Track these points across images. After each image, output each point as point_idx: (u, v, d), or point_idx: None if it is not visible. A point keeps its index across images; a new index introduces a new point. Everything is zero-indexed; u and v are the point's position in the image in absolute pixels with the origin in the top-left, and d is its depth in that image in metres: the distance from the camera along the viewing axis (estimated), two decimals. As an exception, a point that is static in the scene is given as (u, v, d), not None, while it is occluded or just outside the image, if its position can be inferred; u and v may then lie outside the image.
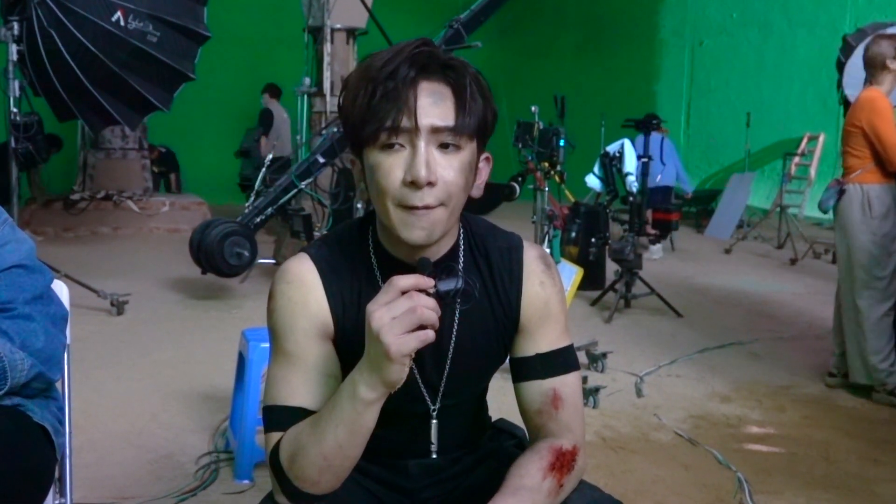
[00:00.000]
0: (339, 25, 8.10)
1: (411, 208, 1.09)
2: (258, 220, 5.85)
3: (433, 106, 1.09)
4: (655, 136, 7.74)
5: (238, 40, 13.23)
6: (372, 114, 1.08)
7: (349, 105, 1.12)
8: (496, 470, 1.34)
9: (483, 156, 1.19)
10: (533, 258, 1.29)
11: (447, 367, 1.25)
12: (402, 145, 1.09)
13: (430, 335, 1.01)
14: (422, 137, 1.08)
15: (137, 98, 5.66)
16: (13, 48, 5.03)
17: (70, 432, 1.60)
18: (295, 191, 5.89)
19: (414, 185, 1.08)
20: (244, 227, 5.63)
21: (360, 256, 1.23)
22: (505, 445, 1.42)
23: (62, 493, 1.61)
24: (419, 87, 1.09)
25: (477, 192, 1.19)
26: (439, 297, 1.03)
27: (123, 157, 10.02)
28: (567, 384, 1.28)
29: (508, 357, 1.33)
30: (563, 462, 1.20)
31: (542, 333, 1.28)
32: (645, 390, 3.84)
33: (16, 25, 5.04)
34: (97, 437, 3.09)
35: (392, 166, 1.09)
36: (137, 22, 5.33)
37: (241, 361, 2.92)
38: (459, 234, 1.25)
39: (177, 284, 6.24)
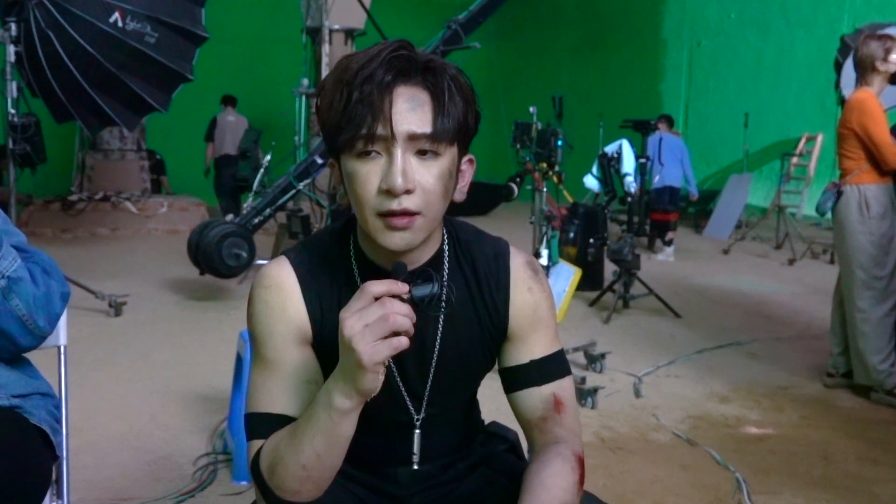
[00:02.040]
0: (337, 26, 8.12)
1: (390, 215, 1.06)
2: (256, 220, 5.85)
3: (410, 112, 1.04)
4: (654, 137, 7.76)
5: (236, 41, 13.24)
6: (347, 120, 1.04)
7: (325, 109, 1.08)
8: (489, 477, 1.33)
9: (465, 158, 1.15)
10: (520, 265, 1.26)
11: (431, 375, 1.23)
12: (378, 153, 1.05)
13: (403, 342, 0.97)
14: (398, 145, 1.04)
15: (135, 99, 5.66)
16: (11, 49, 5.03)
17: (67, 434, 1.59)
18: (293, 192, 5.90)
19: (390, 193, 1.04)
20: (242, 228, 5.63)
21: (340, 261, 1.20)
22: (497, 450, 1.39)
23: (59, 495, 1.60)
24: (396, 93, 1.04)
25: (460, 195, 1.16)
26: (414, 302, 1.00)
27: (122, 158, 10.04)
28: (565, 388, 1.25)
29: (498, 367, 1.29)
30: (583, 470, 1.19)
31: (534, 339, 1.25)
32: (643, 391, 3.84)
33: (13, 27, 5.04)
34: (95, 439, 3.09)
35: (369, 174, 1.06)
36: (135, 23, 5.33)
37: (239, 362, 2.91)
38: (444, 240, 1.22)
39: (175, 285, 6.24)
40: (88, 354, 4.21)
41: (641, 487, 2.76)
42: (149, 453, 2.98)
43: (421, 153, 1.06)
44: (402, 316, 0.97)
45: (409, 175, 1.05)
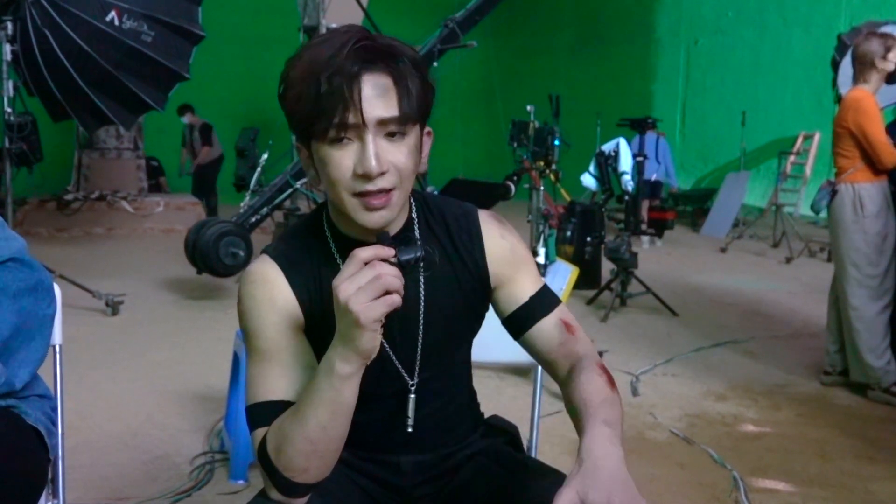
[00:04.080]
0: (334, 25, 8.09)
1: (366, 194, 1.12)
2: (253, 219, 5.84)
3: (377, 98, 1.10)
4: (650, 135, 7.78)
5: (233, 40, 13.21)
6: (318, 110, 1.10)
7: (294, 101, 1.13)
8: (487, 467, 1.35)
9: (424, 132, 1.21)
10: (487, 217, 1.33)
11: (420, 338, 1.27)
12: (350, 139, 1.11)
13: (396, 300, 1.03)
14: (369, 131, 1.10)
15: (132, 98, 5.65)
16: (7, 48, 5.02)
17: (63, 433, 1.59)
18: (290, 190, 5.89)
19: (365, 176, 1.11)
20: (239, 227, 5.62)
21: (318, 244, 1.26)
22: (497, 442, 1.41)
23: (55, 495, 1.60)
24: (362, 81, 1.10)
25: (423, 166, 1.22)
26: (401, 265, 1.06)
27: (118, 157, 9.98)
28: (565, 311, 1.32)
29: (501, 319, 1.33)
30: (610, 375, 1.24)
31: (523, 278, 1.31)
32: (641, 389, 3.84)
33: (10, 25, 5.02)
34: (92, 438, 3.09)
35: (342, 158, 1.12)
36: (132, 22, 5.33)
37: (236, 361, 2.91)
38: (411, 209, 1.28)
39: (172, 285, 6.23)
40: (85, 354, 4.20)
41: (639, 486, 2.72)
42: (145, 452, 2.98)
43: (390, 135, 1.12)
44: (393, 276, 1.03)
45: (382, 158, 1.11)
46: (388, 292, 1.02)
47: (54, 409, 1.59)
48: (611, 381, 1.23)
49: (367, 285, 1.01)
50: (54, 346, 1.66)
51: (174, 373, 3.98)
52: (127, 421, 3.30)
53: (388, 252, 1.04)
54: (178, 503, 2.60)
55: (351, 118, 1.09)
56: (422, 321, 1.26)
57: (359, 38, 1.11)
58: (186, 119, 10.74)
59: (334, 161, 1.12)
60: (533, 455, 1.65)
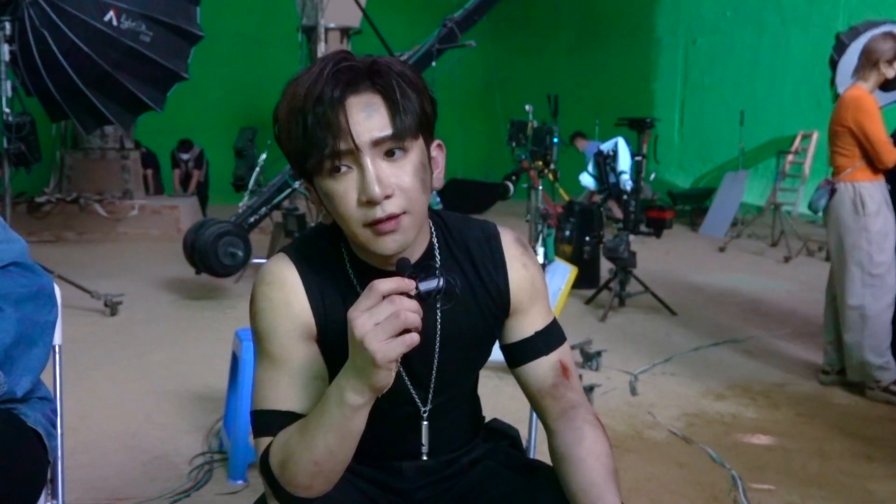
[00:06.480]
0: (332, 25, 8.10)
1: (377, 223, 1.07)
2: (252, 219, 5.85)
3: (367, 120, 1.05)
4: (593, 144, 7.76)
5: (232, 40, 13.22)
6: (309, 144, 1.06)
7: (285, 139, 1.09)
8: (492, 470, 1.34)
9: (434, 144, 1.16)
10: (511, 242, 1.28)
11: (435, 364, 1.24)
12: (348, 167, 1.07)
13: (415, 338, 0.98)
14: (365, 154, 1.05)
15: (130, 98, 5.65)
16: (5, 48, 5.02)
17: (62, 434, 1.59)
18: (289, 190, 5.90)
19: (371, 203, 1.06)
20: (238, 227, 5.62)
21: (336, 260, 1.22)
22: (500, 445, 1.41)
23: (54, 496, 1.60)
24: (348, 105, 1.05)
25: (438, 182, 1.17)
26: (421, 298, 1.01)
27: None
28: (566, 353, 1.30)
29: (500, 344, 1.31)
30: (601, 422, 1.24)
31: (535, 312, 1.28)
32: (639, 388, 3.84)
33: (7, 25, 5.02)
34: (91, 439, 3.09)
35: (346, 190, 1.07)
36: (130, 22, 5.33)
37: (235, 362, 2.91)
38: (431, 233, 1.24)
39: (171, 285, 6.23)
40: (84, 354, 4.20)
41: (637, 485, 2.76)
42: (144, 453, 2.98)
43: (389, 154, 1.07)
44: (412, 312, 0.98)
45: (385, 181, 1.06)
46: (406, 330, 0.98)
47: (54, 412, 1.58)
48: (604, 429, 1.24)
49: (386, 322, 0.97)
50: (54, 347, 1.66)
51: (173, 373, 3.98)
52: (126, 421, 3.30)
53: (409, 285, 0.99)
54: (177, 503, 2.60)
55: (342, 145, 1.05)
56: (437, 349, 1.23)
57: (336, 61, 1.07)
58: (188, 155, 10.78)
59: (338, 194, 1.07)
60: (531, 455, 1.65)
